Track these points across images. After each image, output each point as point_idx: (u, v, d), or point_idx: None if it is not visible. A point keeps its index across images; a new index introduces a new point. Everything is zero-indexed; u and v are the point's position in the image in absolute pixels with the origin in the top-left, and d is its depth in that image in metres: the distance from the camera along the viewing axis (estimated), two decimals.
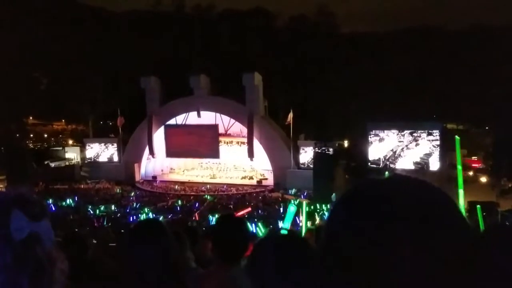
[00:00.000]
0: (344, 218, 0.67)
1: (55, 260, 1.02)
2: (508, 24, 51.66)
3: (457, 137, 6.64)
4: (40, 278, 0.96)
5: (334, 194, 15.52)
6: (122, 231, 12.70)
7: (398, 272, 0.59)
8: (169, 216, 20.23)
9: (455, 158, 27.46)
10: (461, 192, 6.68)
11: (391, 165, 25.71)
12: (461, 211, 0.66)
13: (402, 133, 25.56)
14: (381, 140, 26.27)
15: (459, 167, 6.82)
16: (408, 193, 0.64)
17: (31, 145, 48.07)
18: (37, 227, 0.99)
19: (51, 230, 1.05)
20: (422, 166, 24.84)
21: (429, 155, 24.76)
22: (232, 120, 33.07)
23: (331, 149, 27.27)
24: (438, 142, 24.47)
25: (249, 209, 15.16)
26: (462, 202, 6.62)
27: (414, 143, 25.15)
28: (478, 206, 8.11)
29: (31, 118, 59.06)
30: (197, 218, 19.51)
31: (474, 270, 0.61)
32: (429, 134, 24.68)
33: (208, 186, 31.91)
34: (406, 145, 25.39)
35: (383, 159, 26.20)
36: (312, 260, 1.18)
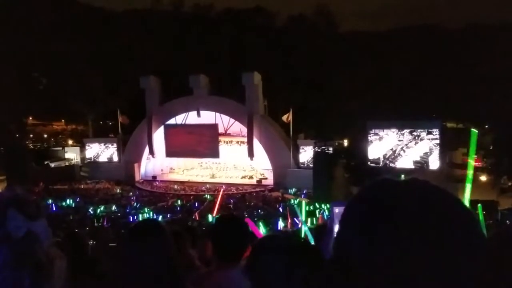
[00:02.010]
0: (360, 223, 0.64)
1: (54, 258, 1.02)
2: (508, 23, 51.66)
3: (474, 130, 6.52)
4: (40, 275, 0.97)
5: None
6: (122, 231, 12.69)
7: (414, 281, 0.58)
8: (169, 216, 20.24)
9: (455, 157, 27.37)
10: (468, 186, 6.62)
11: (391, 164, 25.72)
12: (479, 223, 0.64)
13: (402, 132, 25.56)
14: (380, 139, 26.27)
15: (471, 160, 6.72)
16: (430, 202, 0.62)
17: (31, 145, 48.07)
18: (33, 226, 0.99)
19: (48, 229, 1.05)
20: (422, 165, 24.84)
21: (429, 154, 24.76)
22: (232, 120, 33.07)
23: (330, 148, 27.28)
24: (438, 141, 24.46)
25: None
26: (468, 196, 6.58)
27: (414, 142, 25.15)
28: (480, 205, 8.06)
29: (31, 118, 59.08)
30: (197, 218, 19.50)
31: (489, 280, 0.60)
32: (429, 133, 24.67)
33: (208, 185, 31.92)
34: (406, 144, 25.39)
35: (382, 158, 26.21)
36: (319, 266, 1.16)
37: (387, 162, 25.90)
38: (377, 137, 26.32)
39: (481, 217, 7.50)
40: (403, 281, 0.58)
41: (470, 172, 6.62)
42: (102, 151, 36.24)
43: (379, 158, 26.30)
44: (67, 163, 37.53)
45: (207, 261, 3.62)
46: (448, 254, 0.58)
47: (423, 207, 0.61)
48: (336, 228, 0.71)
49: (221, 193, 17.52)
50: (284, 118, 31.09)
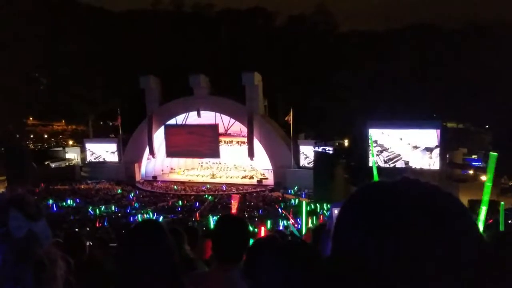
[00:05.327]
0: (354, 222, 0.65)
1: (55, 257, 1.03)
2: (508, 23, 51.66)
3: (493, 153, 6.39)
4: (42, 274, 0.98)
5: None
6: (123, 231, 12.69)
7: (410, 278, 0.58)
8: (170, 216, 20.26)
9: (455, 156, 27.24)
10: (484, 209, 6.51)
11: (391, 164, 25.72)
12: (472, 217, 0.65)
13: (402, 132, 25.56)
14: (381, 139, 26.26)
15: (489, 184, 6.60)
16: (420, 198, 0.63)
17: (31, 146, 48.09)
18: (34, 226, 1.00)
19: (48, 230, 1.06)
20: (422, 164, 24.83)
21: (429, 154, 24.75)
22: (232, 120, 33.08)
23: (331, 148, 27.26)
24: (438, 142, 24.46)
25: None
26: (483, 218, 6.48)
27: (414, 142, 25.14)
28: (502, 203, 7.96)
29: (31, 118, 59.11)
30: (197, 218, 19.52)
31: (488, 277, 0.61)
32: (429, 133, 24.67)
33: (208, 185, 31.94)
34: (407, 144, 25.39)
35: (383, 158, 26.21)
36: (317, 266, 1.17)
37: (388, 162, 25.90)
38: (377, 137, 26.29)
39: (501, 215, 7.44)
40: (402, 279, 0.59)
41: (486, 196, 6.50)
42: (103, 151, 36.26)
43: (379, 158, 26.28)
44: (67, 163, 37.57)
45: (207, 261, 3.63)
46: (446, 250, 0.59)
47: (416, 206, 0.62)
48: None
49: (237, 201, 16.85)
50: (287, 118, 31.08)
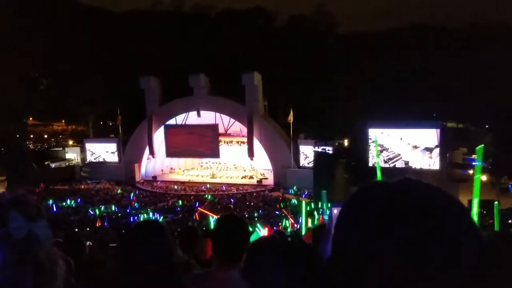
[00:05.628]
0: (354, 222, 0.66)
1: (55, 258, 1.03)
2: (508, 23, 51.66)
3: (480, 146, 6.60)
4: (42, 275, 0.98)
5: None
6: (123, 231, 12.68)
7: (410, 278, 0.59)
8: (170, 216, 20.25)
9: (455, 156, 27.26)
10: (476, 201, 6.69)
11: (391, 164, 25.71)
12: (473, 218, 0.65)
13: (402, 132, 25.56)
14: (380, 139, 26.24)
15: (478, 175, 6.79)
16: (421, 199, 0.64)
17: (31, 146, 48.08)
18: (34, 227, 1.01)
19: (48, 230, 1.06)
20: (422, 164, 24.82)
21: (429, 154, 24.75)
22: (232, 120, 33.08)
23: (330, 148, 27.26)
24: (438, 141, 24.46)
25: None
26: (476, 211, 6.65)
27: (414, 142, 25.14)
28: (496, 202, 8.06)
29: (31, 118, 59.09)
30: (197, 218, 19.49)
31: (488, 277, 0.61)
32: (429, 133, 24.67)
33: (208, 185, 31.94)
34: (407, 144, 25.38)
35: (383, 158, 26.19)
36: (317, 266, 1.17)
37: (388, 162, 25.89)
38: (377, 136, 26.26)
39: (496, 213, 7.53)
40: (402, 280, 0.59)
41: (476, 187, 6.72)
42: (103, 152, 36.26)
43: (379, 158, 26.25)
44: (67, 164, 37.57)
45: (207, 261, 3.64)
46: (446, 250, 0.59)
47: (416, 206, 0.62)
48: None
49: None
50: (289, 119, 31.08)
